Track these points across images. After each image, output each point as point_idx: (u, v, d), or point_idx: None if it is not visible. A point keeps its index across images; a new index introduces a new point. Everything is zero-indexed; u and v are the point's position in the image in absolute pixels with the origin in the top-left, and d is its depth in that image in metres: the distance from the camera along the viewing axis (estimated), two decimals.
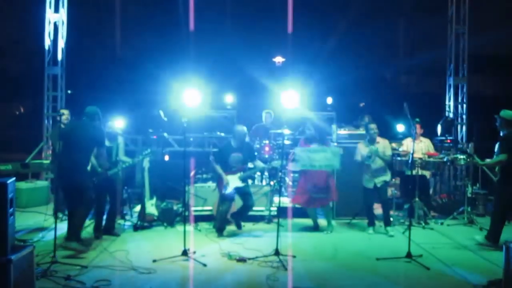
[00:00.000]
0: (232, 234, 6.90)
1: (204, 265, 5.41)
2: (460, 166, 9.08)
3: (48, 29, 10.06)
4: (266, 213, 7.74)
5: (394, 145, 8.34)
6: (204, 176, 8.61)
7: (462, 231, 7.34)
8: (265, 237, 6.81)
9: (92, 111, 6.16)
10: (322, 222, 7.62)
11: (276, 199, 7.63)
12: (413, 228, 6.36)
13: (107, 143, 6.54)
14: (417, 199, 7.64)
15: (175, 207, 7.58)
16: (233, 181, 6.90)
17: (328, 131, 8.26)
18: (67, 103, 10.17)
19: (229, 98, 9.97)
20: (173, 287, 4.78)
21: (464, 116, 10.40)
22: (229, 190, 6.88)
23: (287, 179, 8.58)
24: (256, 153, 7.62)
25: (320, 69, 14.62)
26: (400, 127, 9.25)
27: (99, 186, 6.36)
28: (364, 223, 7.64)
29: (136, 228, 7.11)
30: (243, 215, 7.14)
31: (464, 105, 10.47)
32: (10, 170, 6.67)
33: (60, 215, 7.44)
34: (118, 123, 8.09)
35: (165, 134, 9.10)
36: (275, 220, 7.18)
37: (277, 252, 5.62)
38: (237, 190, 6.96)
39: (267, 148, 8.64)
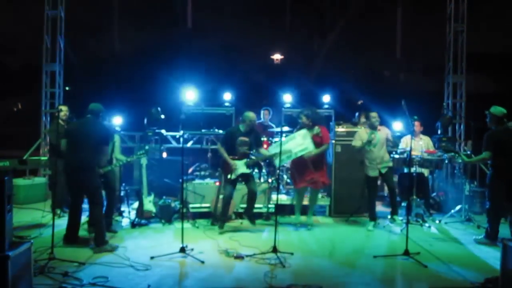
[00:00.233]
0: (230, 231, 6.90)
1: (202, 262, 5.41)
2: (457, 164, 9.10)
3: (46, 25, 10.05)
4: (264, 210, 7.75)
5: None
6: (202, 173, 8.62)
7: (459, 228, 7.36)
8: (263, 234, 6.82)
9: (97, 108, 6.08)
10: (319, 219, 7.64)
11: (274, 196, 7.64)
12: (411, 226, 6.36)
13: None
14: (414, 196, 7.66)
15: (173, 204, 7.57)
16: (239, 167, 6.91)
17: (321, 115, 8.17)
18: (65, 100, 10.15)
19: (227, 96, 9.95)
20: (171, 284, 4.76)
21: (462, 114, 10.43)
22: (235, 175, 6.88)
23: (285, 176, 8.59)
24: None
25: (318, 67, 14.60)
26: (398, 125, 9.24)
27: None
28: (362, 220, 7.65)
29: (133, 225, 7.11)
30: (252, 206, 7.06)
31: (463, 103, 10.49)
32: (8, 167, 6.61)
33: (58, 211, 7.42)
34: (116, 120, 8.10)
35: (163, 131, 9.10)
36: (273, 217, 7.18)
37: (275, 249, 5.62)
38: (242, 176, 6.96)
39: (265, 145, 8.64)
